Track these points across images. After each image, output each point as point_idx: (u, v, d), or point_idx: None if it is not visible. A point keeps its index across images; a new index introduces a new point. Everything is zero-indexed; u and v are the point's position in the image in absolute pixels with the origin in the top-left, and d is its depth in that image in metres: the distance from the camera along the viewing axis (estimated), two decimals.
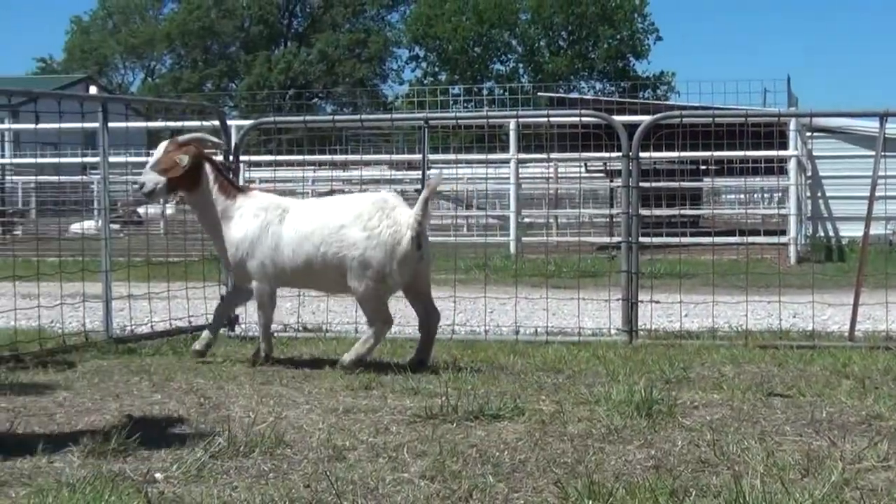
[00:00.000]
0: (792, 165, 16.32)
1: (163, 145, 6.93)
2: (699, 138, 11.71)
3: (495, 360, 6.93)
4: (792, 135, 16.26)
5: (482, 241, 17.68)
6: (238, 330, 8.37)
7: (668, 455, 4.39)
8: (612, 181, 20.24)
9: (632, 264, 7.98)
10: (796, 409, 5.33)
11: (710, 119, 9.51)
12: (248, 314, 8.66)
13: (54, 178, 22.08)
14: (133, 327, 8.25)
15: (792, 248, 15.89)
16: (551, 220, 21.66)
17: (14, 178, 24.83)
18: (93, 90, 39.43)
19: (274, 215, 6.74)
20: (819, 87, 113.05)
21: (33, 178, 23.87)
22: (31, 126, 8.39)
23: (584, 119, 10.01)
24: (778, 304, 8.28)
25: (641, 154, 8.18)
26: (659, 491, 3.79)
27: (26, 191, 27.32)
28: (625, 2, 66.94)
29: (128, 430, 4.67)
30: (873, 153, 8.20)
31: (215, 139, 7.65)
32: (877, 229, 12.86)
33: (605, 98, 32.88)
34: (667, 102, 35.86)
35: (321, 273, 6.68)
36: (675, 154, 15.63)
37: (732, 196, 27.44)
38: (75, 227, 19.44)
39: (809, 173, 17.31)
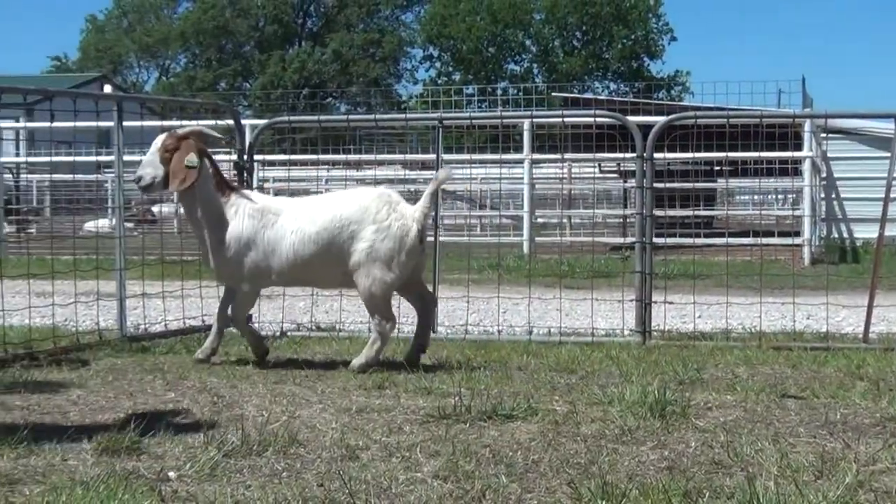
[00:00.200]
0: (806, 167, 16.27)
1: (161, 139, 6.72)
2: (713, 139, 11.65)
3: (508, 360, 6.93)
4: (807, 136, 16.22)
5: (495, 241, 17.67)
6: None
7: (682, 456, 4.39)
8: (625, 182, 20.21)
9: (645, 265, 7.97)
10: (810, 410, 5.32)
11: (725, 120, 9.45)
12: (262, 313, 8.69)
13: (69, 177, 22.15)
14: (147, 326, 8.27)
15: (806, 250, 15.85)
16: (565, 221, 21.64)
17: (29, 176, 24.87)
18: (107, 89, 39.43)
19: (270, 216, 6.68)
20: (834, 89, 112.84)
21: (48, 176, 23.96)
22: (46, 125, 8.39)
23: (598, 119, 9.98)
24: (792, 305, 8.26)
25: (655, 155, 8.17)
26: (672, 492, 3.78)
27: (41, 189, 27.39)
28: (639, 2, 66.84)
29: (141, 429, 4.68)
30: (888, 155, 8.17)
31: (215, 133, 7.48)
32: (891, 231, 12.78)
33: (620, 98, 32.83)
34: (681, 103, 35.81)
35: (325, 270, 6.69)
36: (689, 155, 15.59)
37: (746, 197, 27.39)
38: (89, 226, 19.50)
39: (824, 175, 17.26)
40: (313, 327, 8.56)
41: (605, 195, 26.06)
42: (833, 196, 17.64)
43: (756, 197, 25.69)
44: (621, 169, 21.45)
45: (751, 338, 7.87)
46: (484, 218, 23.71)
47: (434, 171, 8.75)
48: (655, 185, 8.20)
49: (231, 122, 8.89)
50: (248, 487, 3.94)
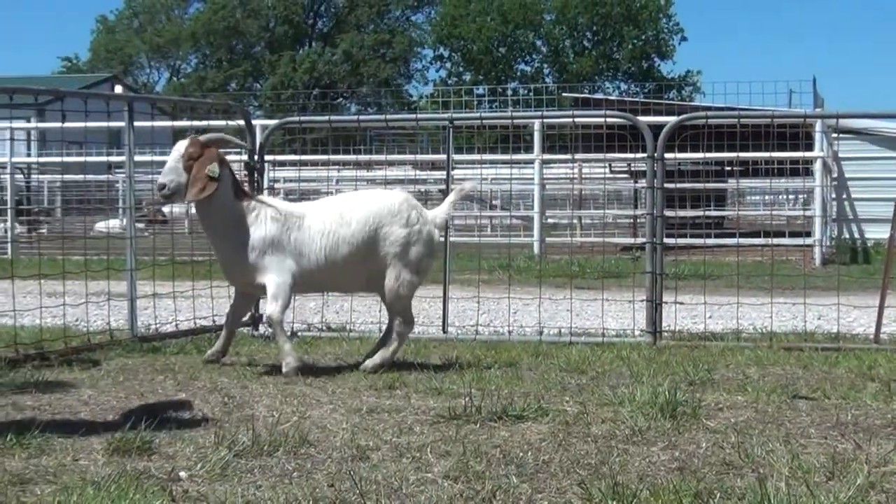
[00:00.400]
0: (817, 167, 16.24)
1: (183, 145, 6.56)
2: (724, 139, 11.65)
3: (519, 360, 6.93)
4: (818, 136, 16.19)
5: (506, 241, 17.66)
6: (262, 329, 8.38)
7: (693, 457, 4.38)
8: (636, 182, 20.20)
9: (656, 265, 7.96)
10: (821, 411, 5.31)
11: (736, 120, 9.44)
12: None
13: (80, 177, 22.20)
14: (158, 326, 8.28)
15: (817, 250, 15.82)
16: (575, 221, 21.62)
17: (40, 176, 24.94)
18: (118, 89, 39.55)
19: (294, 219, 6.61)
20: (845, 89, 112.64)
21: (59, 176, 24.01)
22: (57, 125, 8.40)
23: (608, 120, 9.98)
24: (803, 305, 8.25)
25: (666, 155, 8.16)
26: (683, 493, 3.78)
27: (52, 189, 27.45)
28: (650, 2, 66.77)
29: (152, 429, 4.69)
30: None
31: (237, 140, 7.43)
32: None
33: (630, 98, 32.82)
34: (692, 103, 35.78)
35: (353, 271, 6.67)
36: (700, 155, 15.58)
37: (757, 197, 27.35)
38: (100, 226, 19.53)
39: (835, 175, 17.23)
40: (324, 328, 8.57)
41: (615, 195, 26.05)
42: (844, 196, 17.60)
43: (767, 197, 25.64)
44: (632, 169, 21.44)
45: (762, 338, 7.86)
46: (494, 218, 23.72)
47: (444, 172, 8.77)
48: (666, 185, 8.19)
49: (241, 122, 8.90)
50: (258, 487, 3.95)
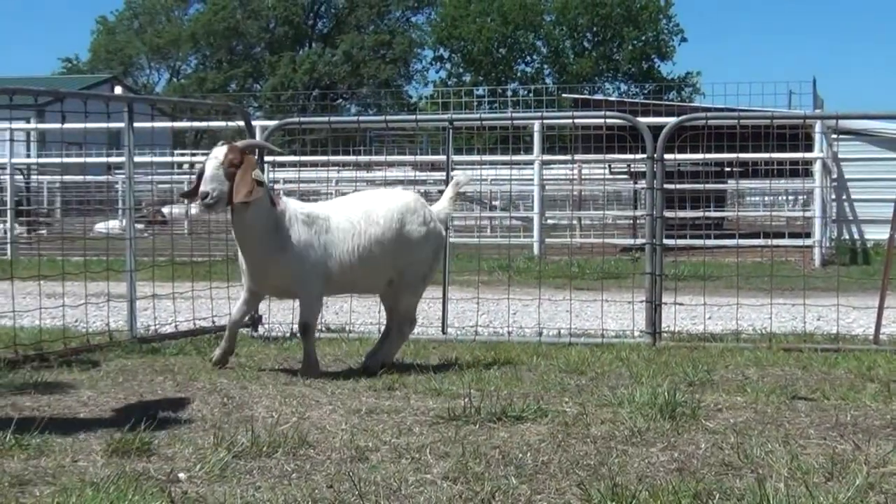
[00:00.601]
0: (817, 168, 16.24)
1: (222, 152, 6.31)
2: (724, 140, 11.66)
3: (518, 361, 6.93)
4: (817, 137, 16.19)
5: (506, 242, 17.67)
6: (261, 330, 8.38)
7: (692, 458, 4.38)
8: (636, 183, 20.20)
9: (656, 266, 7.97)
10: (820, 412, 5.31)
11: (735, 121, 9.45)
12: (272, 314, 8.70)
13: (79, 178, 22.21)
14: (157, 327, 8.28)
15: (816, 251, 15.83)
16: (575, 222, 21.62)
17: (40, 177, 24.94)
18: (118, 90, 39.56)
19: (321, 220, 6.55)
20: (845, 89, 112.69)
21: (59, 177, 24.01)
22: (57, 126, 8.42)
23: (608, 120, 9.99)
24: (802, 306, 8.26)
25: (666, 156, 8.16)
26: (682, 494, 3.78)
27: (52, 190, 27.46)
28: (650, 3, 66.79)
29: (151, 430, 4.69)
30: None
31: (273, 146, 7.33)
32: None
33: (630, 99, 32.82)
34: (692, 104, 35.77)
35: (380, 272, 6.70)
36: (699, 156, 15.59)
37: (757, 198, 27.35)
38: (100, 227, 19.54)
39: (835, 176, 17.23)
40: (323, 328, 8.56)
41: (615, 196, 26.05)
42: (844, 197, 17.60)
43: (767, 198, 25.64)
44: (632, 170, 21.44)
45: (761, 339, 7.86)
46: (494, 219, 23.72)
47: (444, 173, 8.78)
48: (666, 186, 8.19)
49: (241, 123, 8.90)
50: (257, 489, 3.95)
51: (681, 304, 8.58)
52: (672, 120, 8.58)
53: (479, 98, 45.83)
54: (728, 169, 20.12)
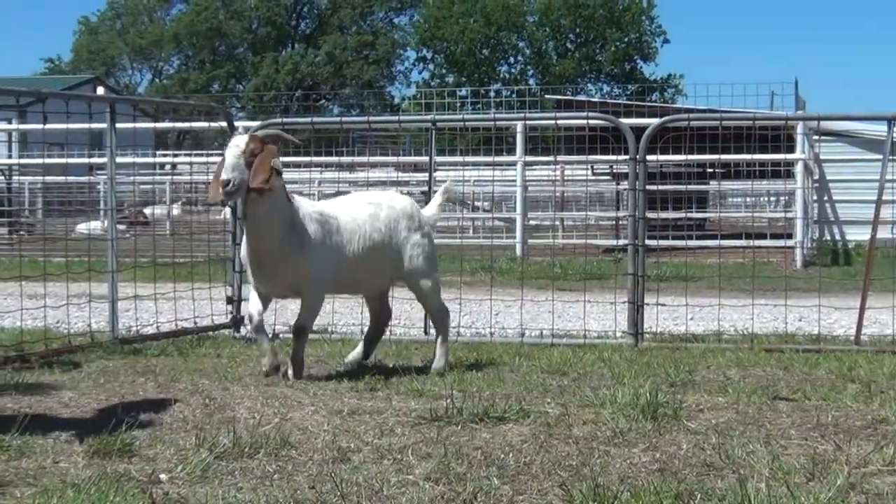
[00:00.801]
0: (799, 169, 16.29)
1: (243, 141, 6.18)
2: (706, 141, 11.69)
3: (501, 362, 6.93)
4: (799, 138, 16.24)
5: (488, 243, 17.66)
6: (243, 331, 8.37)
7: (673, 458, 4.39)
8: (618, 184, 20.23)
9: (638, 267, 7.98)
10: (802, 412, 5.32)
11: (718, 122, 9.48)
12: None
13: (61, 179, 22.12)
14: (139, 328, 8.26)
15: (798, 252, 15.87)
16: (557, 223, 21.64)
17: (21, 178, 24.85)
18: (100, 91, 39.44)
19: (331, 219, 6.49)
20: (827, 91, 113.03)
21: (40, 178, 23.93)
22: (39, 126, 8.37)
23: (591, 122, 10.00)
24: (784, 307, 8.28)
25: (648, 157, 8.18)
26: (664, 494, 3.79)
27: (33, 191, 27.37)
28: (632, 4, 66.88)
29: (133, 431, 4.68)
30: (881, 157, 8.19)
31: (292, 137, 7.23)
32: (884, 233, 12.81)
33: (613, 101, 32.86)
34: (674, 105, 35.82)
35: (381, 273, 6.75)
36: (682, 157, 15.61)
37: (739, 199, 27.41)
38: (82, 228, 19.48)
39: (816, 177, 17.29)
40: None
41: (597, 197, 26.07)
42: (825, 198, 17.67)
43: (749, 199, 25.70)
44: (614, 171, 21.48)
45: (743, 340, 7.89)
46: (476, 220, 23.72)
47: (427, 174, 8.78)
48: (648, 187, 8.21)
49: (224, 124, 8.89)
50: (239, 489, 3.94)
51: (663, 305, 8.60)
52: (655, 121, 8.59)
53: (462, 99, 45.87)
54: (710, 170, 20.16)
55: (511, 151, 17.94)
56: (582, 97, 44.91)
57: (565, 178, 22.65)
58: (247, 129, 11.10)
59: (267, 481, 4.07)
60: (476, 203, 23.92)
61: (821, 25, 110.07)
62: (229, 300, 8.48)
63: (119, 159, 8.54)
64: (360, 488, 3.93)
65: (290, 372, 6.40)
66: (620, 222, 19.13)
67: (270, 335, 8.13)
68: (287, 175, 18.97)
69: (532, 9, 68.08)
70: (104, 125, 8.20)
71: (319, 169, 21.41)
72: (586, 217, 20.66)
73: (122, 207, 21.05)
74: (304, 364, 6.55)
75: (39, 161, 19.48)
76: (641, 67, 68.51)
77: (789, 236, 16.34)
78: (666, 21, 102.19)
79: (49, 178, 23.91)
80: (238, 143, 6.17)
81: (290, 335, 8.17)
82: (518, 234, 17.19)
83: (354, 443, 4.64)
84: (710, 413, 5.31)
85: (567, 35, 68.27)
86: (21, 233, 21.01)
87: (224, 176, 6.08)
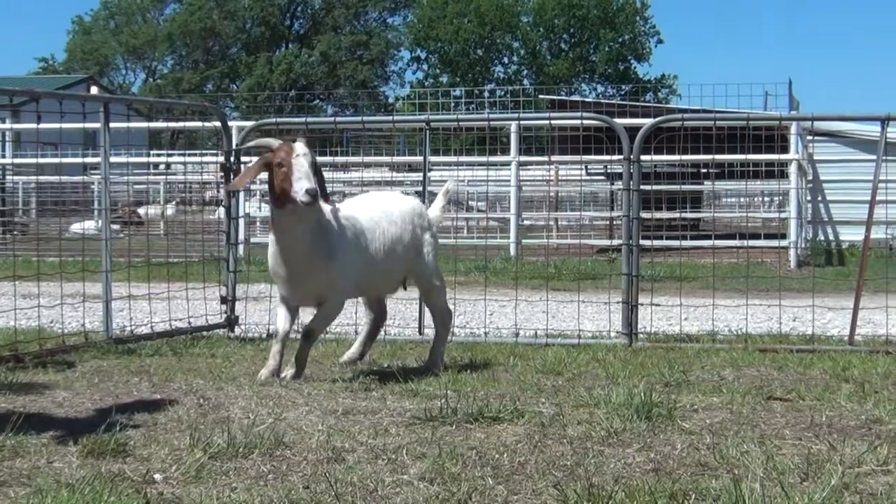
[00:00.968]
0: (793, 169, 16.31)
1: (304, 148, 6.08)
2: (700, 141, 11.70)
3: (495, 362, 6.93)
4: (793, 138, 16.26)
5: (482, 243, 17.67)
6: (237, 331, 8.36)
7: (668, 458, 4.39)
8: (612, 184, 20.24)
9: (632, 267, 7.98)
10: (796, 412, 5.33)
11: (712, 122, 9.49)
12: (248, 315, 8.68)
13: (55, 179, 22.11)
14: (133, 328, 8.25)
15: (792, 252, 15.88)
16: (552, 223, 21.65)
17: (15, 178, 24.81)
18: (94, 90, 39.40)
19: (357, 221, 6.47)
20: (821, 91, 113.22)
21: (34, 178, 23.89)
22: (33, 126, 8.36)
23: (585, 122, 10.00)
24: (778, 307, 8.29)
25: (642, 157, 8.18)
26: (658, 494, 3.79)
27: (27, 191, 27.33)
28: (626, 4, 66.91)
29: (127, 431, 4.68)
30: (874, 157, 8.20)
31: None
32: (877, 233, 12.83)
33: (607, 101, 32.87)
34: (668, 105, 35.82)
35: (396, 274, 6.77)
36: (676, 157, 15.63)
37: (733, 199, 27.45)
38: (76, 228, 19.47)
39: (810, 177, 17.30)
40: (299, 329, 8.53)
41: (591, 197, 26.10)
42: (819, 198, 17.67)
43: (742, 199, 25.73)
44: (608, 171, 21.48)
45: (737, 340, 7.89)
46: (471, 220, 23.73)
47: (421, 174, 8.78)
48: (642, 187, 8.21)
49: (218, 124, 8.88)
50: (233, 489, 3.94)
51: (657, 305, 8.61)
52: (649, 121, 8.60)
53: (457, 99, 45.83)
54: (704, 170, 20.19)
55: (505, 151, 17.94)
56: (576, 97, 44.95)
57: (559, 178, 22.66)
58: (240, 129, 11.10)
59: (261, 481, 4.06)
60: (470, 203, 23.93)
61: (815, 26, 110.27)
62: (223, 300, 8.47)
63: (113, 159, 8.53)
64: (354, 488, 3.93)
65: (290, 372, 6.38)
66: (614, 222, 19.15)
67: (265, 335, 8.15)
68: None
69: (526, 9, 68.09)
70: (98, 125, 8.19)
71: None
72: (580, 217, 20.70)
73: (116, 207, 21.04)
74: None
75: (33, 161, 19.49)
76: (635, 67, 68.58)
77: (783, 236, 16.35)
78: (660, 21, 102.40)
79: (43, 178, 23.89)
80: (306, 151, 6.09)
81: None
82: (512, 234, 17.19)
83: (349, 443, 4.63)
84: (704, 413, 5.31)
85: (561, 35, 68.29)
86: (15, 233, 20.98)
87: (310, 185, 5.95)
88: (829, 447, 4.55)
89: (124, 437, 4.58)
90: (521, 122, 15.48)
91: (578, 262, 13.84)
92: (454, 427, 4.95)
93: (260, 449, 4.46)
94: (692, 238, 16.69)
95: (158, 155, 31.93)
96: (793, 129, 16.11)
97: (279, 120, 9.81)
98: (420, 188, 8.83)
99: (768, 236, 16.92)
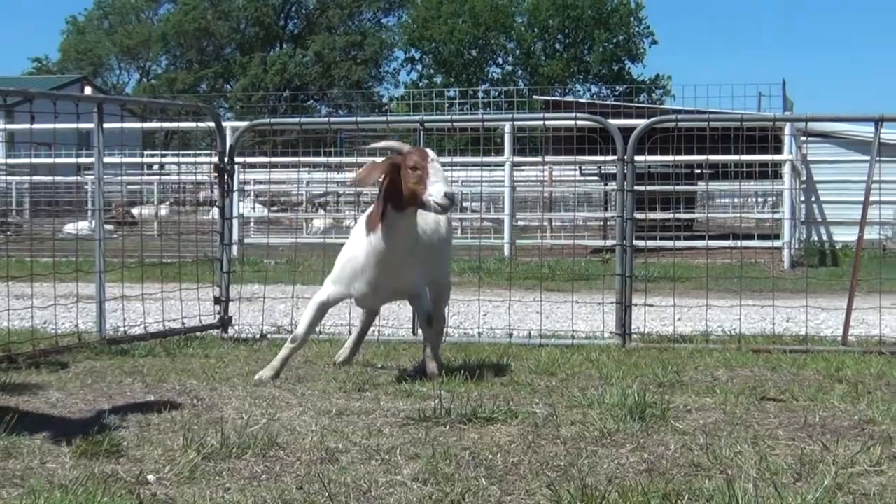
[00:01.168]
0: (787, 170, 16.33)
1: (433, 153, 6.04)
2: (694, 142, 11.70)
3: (488, 362, 6.93)
4: (787, 139, 16.28)
5: (476, 243, 17.67)
6: (231, 332, 8.36)
7: (661, 459, 4.39)
8: (606, 184, 20.25)
9: (626, 267, 7.99)
10: (789, 413, 5.33)
11: (706, 123, 9.49)
12: (241, 316, 8.68)
13: (49, 179, 22.08)
14: (126, 328, 8.24)
15: (786, 253, 15.90)
16: (545, 223, 21.65)
17: (8, 178, 24.80)
18: (88, 91, 39.36)
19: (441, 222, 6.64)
20: (815, 92, 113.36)
21: (27, 178, 23.87)
22: (26, 126, 8.33)
23: (579, 122, 10.00)
24: (771, 308, 8.30)
25: (636, 157, 8.19)
26: (651, 494, 3.79)
27: (20, 191, 27.30)
28: (621, 5, 66.97)
29: (120, 432, 4.67)
30: (868, 158, 8.21)
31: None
32: (870, 234, 12.85)
33: (601, 101, 32.89)
34: (662, 106, 35.86)
35: (431, 271, 6.71)
36: (669, 158, 15.63)
37: (727, 200, 27.47)
38: (69, 228, 19.45)
39: (804, 178, 17.32)
40: (293, 330, 8.52)
41: (585, 198, 26.10)
42: (813, 199, 17.70)
43: (736, 200, 25.77)
44: (602, 172, 21.49)
45: (730, 340, 7.89)
46: (465, 220, 23.73)
47: None
48: (636, 187, 8.21)
49: (212, 124, 8.88)
50: (227, 490, 3.94)
51: (651, 306, 8.61)
52: (642, 122, 8.60)
53: (451, 99, 45.90)
54: (698, 171, 20.21)
55: (499, 152, 17.96)
56: (570, 98, 44.99)
57: (553, 178, 22.66)
58: (234, 130, 11.09)
59: (255, 482, 4.06)
60: (464, 203, 23.93)
61: (809, 27, 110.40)
62: (217, 301, 8.47)
63: (107, 159, 8.51)
64: (348, 489, 3.93)
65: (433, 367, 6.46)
66: (608, 223, 19.16)
67: (259, 335, 8.14)
68: (274, 175, 18.94)
69: (520, 9, 68.14)
70: (92, 125, 8.18)
71: (307, 169, 21.38)
72: (574, 217, 20.70)
73: (109, 207, 21.04)
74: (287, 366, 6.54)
75: (27, 161, 19.46)
76: (629, 68, 68.70)
77: (777, 237, 16.37)
78: (654, 22, 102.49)
79: (36, 178, 23.89)
80: (434, 156, 6.05)
81: (275, 336, 8.19)
82: (506, 234, 17.20)
83: (342, 443, 4.63)
84: (697, 413, 5.31)
85: (555, 36, 68.37)
86: (8, 233, 20.96)
87: (449, 188, 5.95)
88: (823, 447, 4.55)
89: (117, 437, 4.57)
90: (515, 122, 15.51)
91: (572, 262, 13.84)
92: (448, 427, 4.95)
93: (253, 449, 4.46)
94: (686, 238, 16.70)
95: (152, 155, 31.93)
96: (786, 130, 16.14)
97: (273, 120, 9.81)
98: None
99: (762, 237, 16.95)
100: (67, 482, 3.94)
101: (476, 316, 9.09)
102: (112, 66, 78.87)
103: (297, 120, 9.61)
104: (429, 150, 6.09)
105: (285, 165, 19.01)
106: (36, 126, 8.21)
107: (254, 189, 22.55)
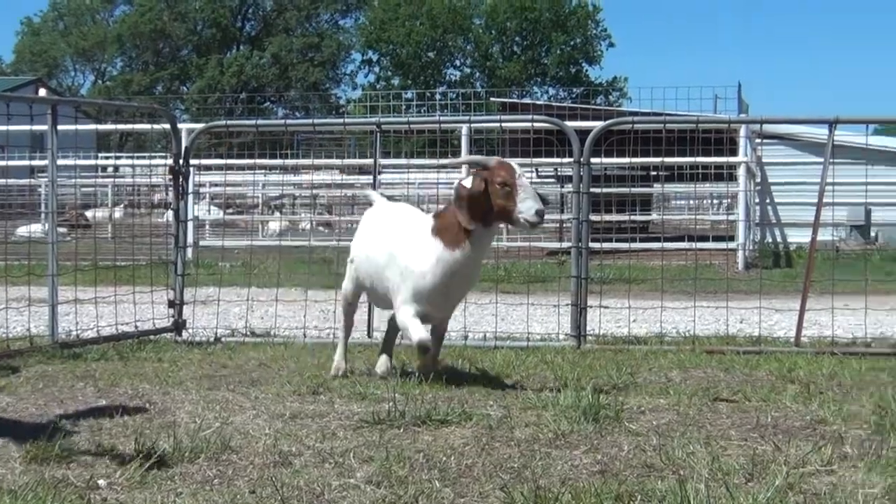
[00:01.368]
0: (741, 171, 16.42)
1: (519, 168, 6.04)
2: (650, 144, 11.76)
3: (444, 364, 6.92)
4: (742, 141, 16.38)
5: None
6: (185, 335, 8.31)
7: (615, 460, 4.41)
8: (562, 186, 20.29)
9: (581, 269, 8.01)
10: (742, 413, 5.36)
11: (661, 125, 9.54)
12: (196, 319, 8.64)
13: (1, 181, 21.87)
14: (79, 332, 8.18)
15: (740, 254, 16.00)
16: (501, 225, 21.65)
17: None
18: (42, 92, 39.09)
19: None
20: (770, 94, 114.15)
21: None
22: None
23: (536, 124, 10.02)
24: (725, 309, 8.34)
25: (592, 160, 8.21)
26: (604, 496, 3.80)
27: None
28: (578, 8, 67.14)
29: (71, 436, 4.63)
30: (822, 160, 8.27)
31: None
32: (824, 236, 12.93)
33: (558, 104, 32.98)
34: (619, 108, 36.01)
35: None
36: (626, 160, 15.68)
37: (682, 202, 27.61)
38: (22, 231, 19.29)
39: (759, 179, 17.43)
40: (248, 333, 8.51)
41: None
42: (767, 201, 17.82)
43: (692, 201, 25.89)
44: (559, 174, 21.53)
45: (684, 342, 7.93)
46: None
47: (372, 176, 8.77)
48: (592, 189, 8.23)
49: (167, 126, 8.83)
50: (179, 495, 3.91)
51: (606, 308, 8.64)
52: (599, 124, 8.63)
53: (408, 102, 45.82)
54: (654, 173, 20.29)
55: (456, 154, 17.95)
56: (527, 100, 45.09)
57: None
58: (190, 132, 11.04)
59: (207, 486, 4.04)
60: (421, 206, 23.91)
61: (764, 29, 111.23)
62: (171, 304, 8.42)
63: (60, 161, 8.44)
64: (301, 492, 3.92)
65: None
66: (564, 225, 19.19)
67: (213, 339, 8.11)
68: (230, 177, 18.82)
69: (478, 11, 68.18)
70: (45, 127, 8.11)
71: (263, 171, 21.30)
72: None
73: (63, 210, 20.87)
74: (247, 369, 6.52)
75: None
76: (587, 71, 68.82)
77: (731, 238, 16.47)
78: (611, 24, 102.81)
79: None
80: (520, 170, 6.03)
81: (230, 339, 8.17)
82: None
83: (296, 447, 4.62)
84: (651, 415, 5.34)
85: (513, 38, 68.42)
86: None
87: (540, 206, 5.93)
88: (775, 448, 4.58)
89: (68, 442, 4.54)
90: (472, 124, 15.50)
91: (528, 264, 13.88)
92: (402, 430, 4.95)
93: (206, 454, 4.44)
94: (641, 240, 16.76)
95: (107, 157, 31.71)
96: (741, 132, 16.23)
97: (230, 122, 9.77)
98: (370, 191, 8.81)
99: (717, 238, 17.04)
100: (17, 487, 3.91)
101: None
102: (67, 68, 78.29)
103: (253, 122, 9.59)
104: (515, 165, 6.02)
105: (241, 168, 18.94)
106: None
107: (209, 191, 22.46)
